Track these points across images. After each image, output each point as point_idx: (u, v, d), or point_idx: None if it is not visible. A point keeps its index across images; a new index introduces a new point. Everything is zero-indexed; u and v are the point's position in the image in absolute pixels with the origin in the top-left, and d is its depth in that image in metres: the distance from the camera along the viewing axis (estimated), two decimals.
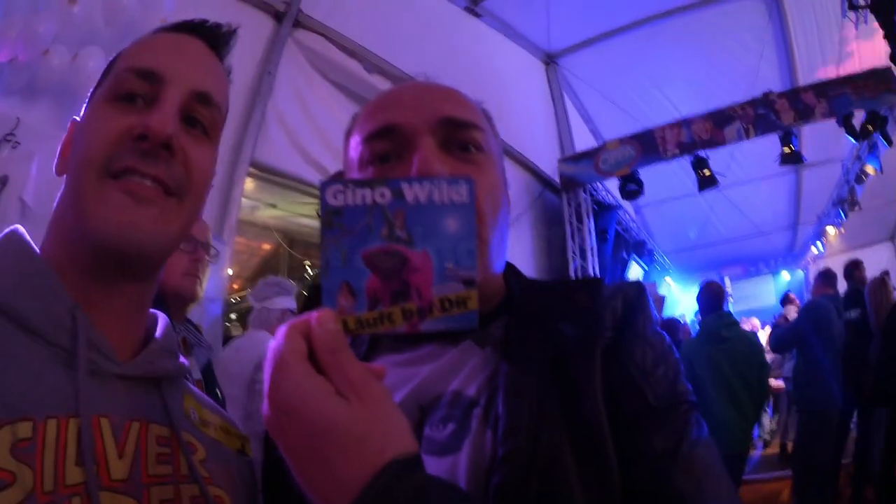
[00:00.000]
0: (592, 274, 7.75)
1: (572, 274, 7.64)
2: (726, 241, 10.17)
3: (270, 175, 5.00)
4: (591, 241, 7.79)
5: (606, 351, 0.67)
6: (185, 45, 0.72)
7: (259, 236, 9.22)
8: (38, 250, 0.66)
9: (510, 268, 0.82)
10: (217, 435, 0.76)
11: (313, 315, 0.49)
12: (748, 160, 7.59)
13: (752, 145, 6.65)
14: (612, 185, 7.69)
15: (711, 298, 4.50)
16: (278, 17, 4.71)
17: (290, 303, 2.79)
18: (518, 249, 7.15)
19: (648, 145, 6.71)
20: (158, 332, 0.73)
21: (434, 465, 0.63)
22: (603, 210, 8.07)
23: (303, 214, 7.86)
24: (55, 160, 0.72)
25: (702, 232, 9.71)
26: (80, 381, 0.58)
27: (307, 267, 9.64)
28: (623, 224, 8.72)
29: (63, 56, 2.80)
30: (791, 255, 11.21)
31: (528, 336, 0.71)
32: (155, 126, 0.63)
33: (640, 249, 9.35)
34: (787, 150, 6.23)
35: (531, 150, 7.37)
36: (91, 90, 0.72)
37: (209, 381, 1.81)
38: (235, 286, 10.50)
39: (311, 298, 2.13)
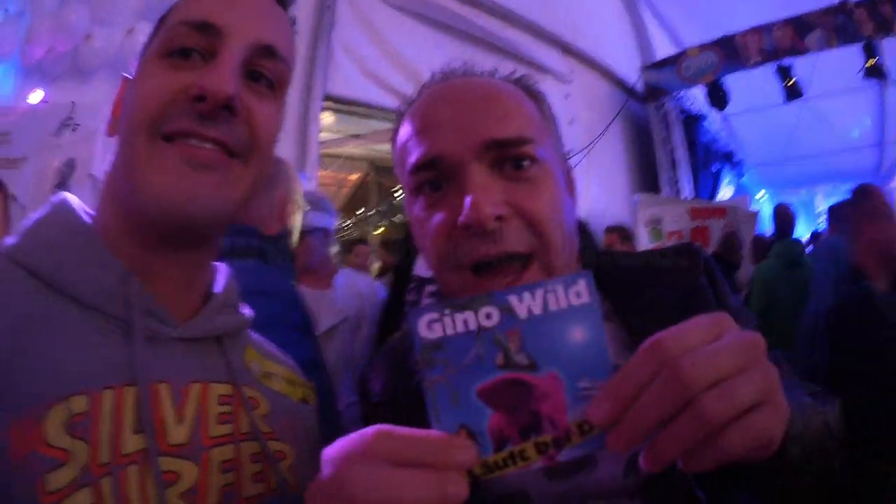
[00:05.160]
0: (685, 184, 7.51)
1: (663, 186, 7.44)
2: (815, 155, 9.46)
3: (346, 106, 5.10)
4: (680, 150, 7.51)
5: None
6: None
7: (345, 167, 9.51)
8: (86, 219, 0.63)
9: (584, 239, 0.79)
10: (280, 386, 0.73)
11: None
12: (833, 72, 7.02)
13: (835, 56, 6.16)
14: (699, 93, 7.28)
15: (780, 224, 4.27)
16: None
17: (323, 220, 2.52)
18: (607, 162, 7.04)
19: (730, 52, 6.36)
20: (218, 286, 0.70)
21: None
22: (690, 119, 7.69)
23: (388, 141, 7.96)
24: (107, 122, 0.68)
25: (791, 144, 9.08)
26: (136, 349, 0.57)
27: (394, 195, 9.89)
28: (711, 134, 8.28)
29: (108, 36, 2.98)
30: (879, 175, 10.33)
31: (637, 308, 0.70)
32: (212, 86, 0.57)
33: (730, 160, 8.88)
34: (870, 62, 5.85)
35: (611, 59, 7.10)
36: (142, 47, 0.66)
37: None
38: None
39: (402, 274, 2.12)
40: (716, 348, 0.41)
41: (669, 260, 0.78)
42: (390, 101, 5.09)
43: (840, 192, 10.66)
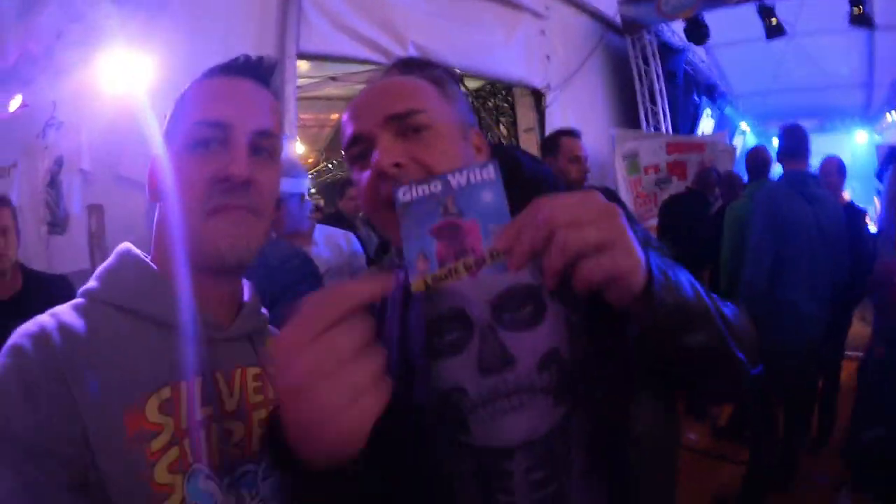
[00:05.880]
0: (664, 117, 7.52)
1: (642, 118, 7.45)
2: (801, 89, 9.31)
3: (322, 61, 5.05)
4: (658, 83, 7.47)
5: None
6: (240, 89, 0.88)
7: (326, 108, 9.37)
8: (150, 263, 0.87)
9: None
10: None
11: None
12: (820, 9, 6.79)
13: None
14: (679, 25, 7.13)
15: (753, 165, 4.29)
16: None
17: (297, 185, 2.70)
18: (585, 96, 6.99)
19: None
20: (246, 296, 0.96)
21: (524, 336, 0.89)
22: (670, 52, 7.57)
23: (364, 82, 7.87)
24: (146, 188, 0.90)
25: (776, 77, 8.87)
26: (200, 350, 0.81)
27: None
28: (693, 65, 8.18)
29: (82, 31, 2.92)
30: (866, 116, 10.22)
31: None
32: (234, 171, 0.81)
33: (712, 92, 8.80)
34: (856, 10, 5.76)
35: None
36: (164, 131, 0.89)
37: None
38: (310, 160, 10.97)
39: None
40: (574, 203, 0.62)
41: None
42: (363, 53, 5.07)
43: (825, 129, 10.59)
